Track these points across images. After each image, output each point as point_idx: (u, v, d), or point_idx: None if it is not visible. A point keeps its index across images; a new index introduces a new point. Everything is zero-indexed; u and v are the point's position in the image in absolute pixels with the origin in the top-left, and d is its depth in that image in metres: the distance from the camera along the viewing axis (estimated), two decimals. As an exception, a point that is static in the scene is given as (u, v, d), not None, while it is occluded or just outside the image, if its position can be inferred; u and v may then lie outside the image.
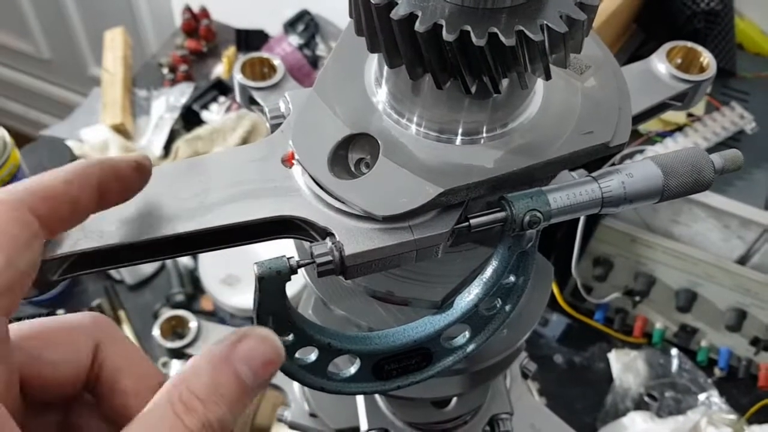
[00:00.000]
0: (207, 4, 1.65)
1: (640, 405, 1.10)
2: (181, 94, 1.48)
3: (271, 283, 0.37)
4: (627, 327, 1.18)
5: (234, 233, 0.40)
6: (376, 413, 0.67)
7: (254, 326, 0.33)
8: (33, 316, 0.35)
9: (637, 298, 1.12)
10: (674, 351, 1.15)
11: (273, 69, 0.54)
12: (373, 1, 0.34)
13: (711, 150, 0.41)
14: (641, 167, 0.40)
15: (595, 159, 0.42)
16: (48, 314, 0.44)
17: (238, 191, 0.40)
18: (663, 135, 1.07)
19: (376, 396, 0.67)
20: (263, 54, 0.54)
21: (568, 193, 0.39)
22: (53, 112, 2.42)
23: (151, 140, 1.42)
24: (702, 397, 1.10)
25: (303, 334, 0.41)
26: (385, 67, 0.40)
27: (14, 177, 1.05)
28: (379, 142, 0.40)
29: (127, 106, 1.47)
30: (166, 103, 1.47)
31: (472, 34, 0.33)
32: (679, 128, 1.08)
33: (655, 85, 0.52)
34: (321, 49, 1.52)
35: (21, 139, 1.24)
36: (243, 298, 1.18)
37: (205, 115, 1.44)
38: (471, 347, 0.46)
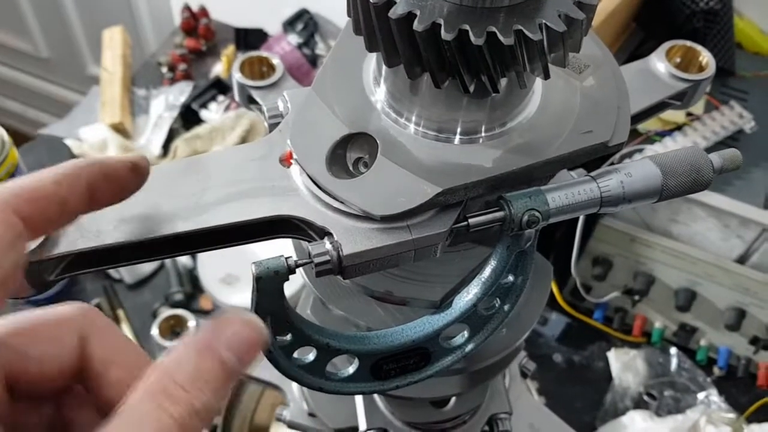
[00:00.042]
0: (206, 3, 1.65)
1: (639, 404, 1.10)
2: (180, 93, 1.48)
3: (269, 283, 0.37)
4: (626, 326, 1.18)
5: (232, 233, 0.40)
6: (375, 413, 0.67)
7: (236, 310, 0.32)
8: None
9: (637, 298, 1.12)
10: (673, 350, 1.15)
11: (272, 68, 0.54)
12: (371, 0, 0.34)
13: (710, 149, 0.41)
14: (640, 167, 0.40)
15: (594, 158, 0.42)
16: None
17: (237, 191, 0.40)
18: (662, 134, 1.07)
19: (375, 396, 0.67)
20: (262, 53, 0.54)
21: (567, 192, 0.39)
22: (52, 111, 2.41)
23: (150, 139, 1.41)
24: (701, 396, 1.10)
25: (301, 334, 0.41)
26: (384, 67, 0.40)
27: (12, 176, 1.05)
28: (378, 141, 0.40)
29: (126, 105, 1.46)
30: (165, 102, 1.46)
31: (470, 34, 0.33)
32: (678, 127, 1.08)
33: (654, 84, 0.52)
34: (320, 48, 1.52)
35: (19, 138, 1.24)
36: (242, 297, 1.18)
37: (204, 114, 1.44)
38: (470, 347, 0.46)
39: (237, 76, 0.53)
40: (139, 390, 0.29)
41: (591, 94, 0.43)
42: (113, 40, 1.55)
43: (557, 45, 0.35)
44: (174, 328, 1.11)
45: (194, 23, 1.62)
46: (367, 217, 0.38)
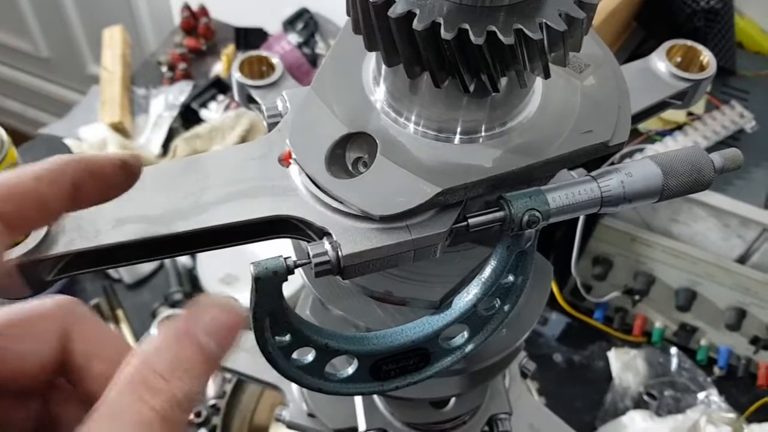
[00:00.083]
0: (206, 3, 1.65)
1: (639, 404, 1.10)
2: (180, 93, 1.48)
3: (267, 284, 0.36)
4: (626, 326, 1.18)
5: (231, 233, 0.40)
6: (375, 413, 0.66)
7: (212, 295, 0.32)
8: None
9: (637, 297, 1.12)
10: (674, 350, 1.15)
11: (271, 67, 0.53)
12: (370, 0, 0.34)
13: (711, 149, 0.41)
14: (641, 166, 0.40)
15: (595, 158, 0.42)
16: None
17: (236, 190, 0.40)
18: (663, 134, 1.07)
19: (375, 396, 0.67)
20: (261, 52, 0.54)
21: (567, 192, 0.39)
22: (52, 111, 2.41)
23: (149, 138, 1.41)
24: (701, 395, 1.10)
25: (300, 335, 0.41)
26: (383, 66, 0.40)
27: (12, 175, 1.05)
28: (377, 141, 0.40)
29: (126, 104, 1.46)
30: (165, 102, 1.46)
31: (470, 33, 0.33)
32: (679, 127, 1.08)
33: (655, 83, 0.52)
34: (320, 48, 1.52)
35: (19, 138, 1.24)
36: (241, 297, 1.17)
37: (203, 113, 1.44)
38: (469, 347, 0.46)
39: (236, 76, 0.53)
40: (119, 383, 0.28)
41: (591, 93, 0.43)
42: (113, 39, 1.55)
43: (558, 44, 0.35)
44: (173, 328, 1.10)
45: (194, 22, 1.62)
46: (366, 217, 0.38)
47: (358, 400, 0.67)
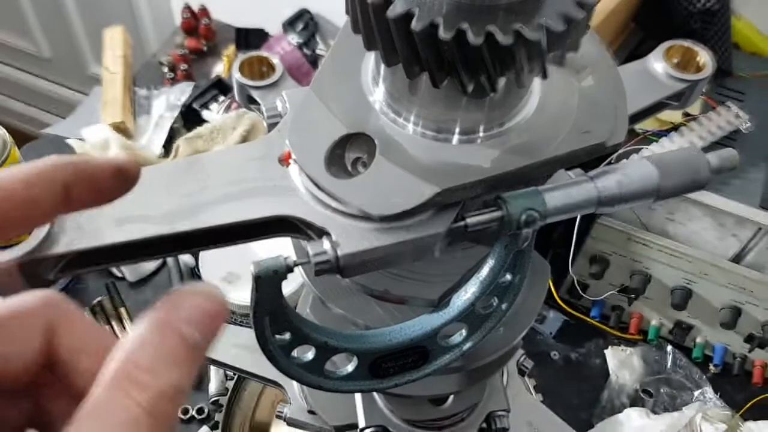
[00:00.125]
0: (207, 3, 1.65)
1: (635, 401, 1.11)
2: (182, 93, 1.48)
3: (267, 283, 0.37)
4: (623, 324, 1.18)
5: (231, 232, 0.40)
6: (374, 410, 0.67)
7: (192, 283, 0.31)
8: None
9: (633, 296, 1.12)
10: (669, 348, 1.15)
11: (272, 68, 0.54)
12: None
13: (707, 149, 0.41)
14: (637, 167, 0.41)
15: (592, 158, 0.42)
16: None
17: (236, 190, 0.41)
18: (659, 134, 1.07)
19: (374, 393, 0.67)
20: (262, 53, 0.54)
21: (564, 192, 0.39)
22: (53, 111, 2.41)
23: (151, 139, 1.42)
24: (697, 393, 1.10)
25: (300, 333, 0.42)
26: (382, 66, 0.40)
27: (13, 175, 1.05)
28: (376, 141, 0.40)
29: (128, 104, 1.46)
30: (167, 102, 1.47)
31: (469, 33, 0.33)
32: (675, 127, 1.08)
33: (652, 84, 0.52)
34: (320, 48, 1.52)
35: (21, 138, 1.24)
36: (243, 295, 1.18)
37: (205, 113, 1.44)
38: (468, 345, 0.46)
39: (236, 76, 0.53)
40: (104, 379, 0.27)
41: (589, 94, 0.43)
42: (114, 40, 1.55)
43: (556, 45, 0.35)
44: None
45: (195, 23, 1.62)
46: (365, 217, 0.38)
47: (358, 397, 0.67)
